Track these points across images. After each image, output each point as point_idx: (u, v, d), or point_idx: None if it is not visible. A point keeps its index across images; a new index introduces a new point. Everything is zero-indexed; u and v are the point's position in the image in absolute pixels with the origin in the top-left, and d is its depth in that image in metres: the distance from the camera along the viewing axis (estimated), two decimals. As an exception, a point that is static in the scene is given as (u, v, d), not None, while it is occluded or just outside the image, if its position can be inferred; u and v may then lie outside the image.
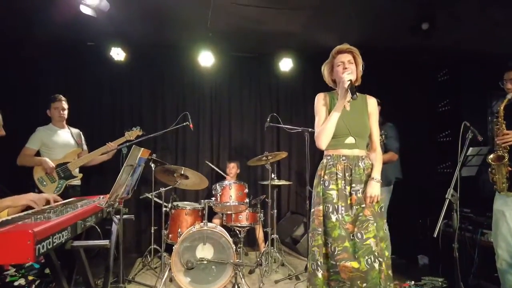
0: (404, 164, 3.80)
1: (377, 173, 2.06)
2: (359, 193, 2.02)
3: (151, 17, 3.66)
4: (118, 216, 2.00)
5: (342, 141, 2.08)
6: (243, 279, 3.12)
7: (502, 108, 2.45)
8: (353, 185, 2.03)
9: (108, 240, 1.56)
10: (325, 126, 2.05)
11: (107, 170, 4.01)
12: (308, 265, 2.10)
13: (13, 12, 3.45)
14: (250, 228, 3.76)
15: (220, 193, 3.43)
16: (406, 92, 4.78)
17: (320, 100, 2.19)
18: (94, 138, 3.91)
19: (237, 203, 3.41)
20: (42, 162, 3.14)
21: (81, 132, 3.57)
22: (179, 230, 3.41)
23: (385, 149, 3.41)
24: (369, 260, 1.89)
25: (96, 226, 1.76)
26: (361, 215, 1.97)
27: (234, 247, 3.15)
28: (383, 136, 3.39)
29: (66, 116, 3.39)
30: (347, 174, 2.05)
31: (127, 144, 3.33)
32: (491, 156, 2.45)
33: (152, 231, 3.74)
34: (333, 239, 1.96)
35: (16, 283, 2.02)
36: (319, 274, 1.99)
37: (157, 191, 3.76)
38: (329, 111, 2.12)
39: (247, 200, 3.48)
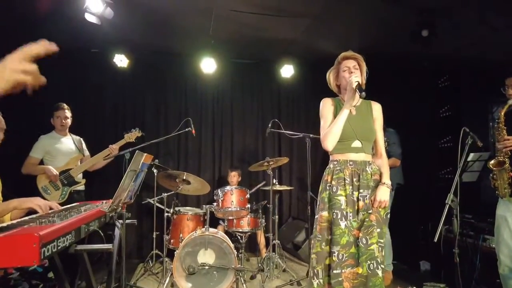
0: (405, 169, 3.82)
1: (387, 179, 2.07)
2: (366, 199, 2.01)
3: (154, 24, 3.72)
4: (120, 221, 2.02)
5: (348, 145, 2.08)
6: (244, 285, 3.12)
7: (503, 113, 2.46)
8: (361, 190, 2.02)
9: (111, 244, 1.57)
10: (332, 127, 2.04)
11: (111, 175, 4.03)
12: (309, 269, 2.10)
13: (17, 20, 3.51)
14: (252, 233, 3.76)
15: (222, 199, 3.45)
16: (407, 98, 4.81)
17: (326, 104, 2.20)
18: (97, 144, 3.94)
19: (238, 209, 3.43)
20: (46, 170, 3.18)
21: (82, 139, 3.60)
22: (181, 235, 3.42)
23: (388, 155, 3.43)
24: (371, 265, 1.89)
25: (100, 231, 1.78)
26: (366, 220, 1.97)
27: (236, 252, 3.16)
28: (386, 143, 3.41)
29: (68, 125, 3.44)
30: (354, 180, 2.04)
31: (130, 149, 3.36)
32: (492, 161, 2.46)
33: (154, 236, 3.75)
34: (341, 247, 1.93)
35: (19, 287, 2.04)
36: (315, 284, 1.96)
37: (159, 197, 3.78)
38: (335, 115, 2.12)
39: (248, 205, 3.50)
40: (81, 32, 3.68)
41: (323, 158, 4.79)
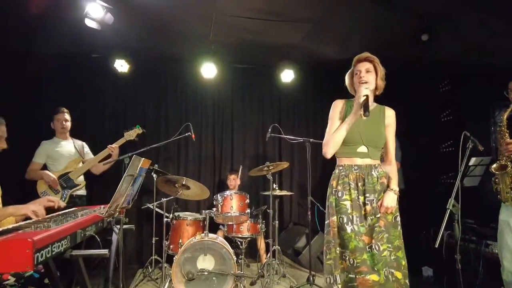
0: (407, 174, 3.79)
1: (395, 185, 2.05)
2: (373, 203, 1.99)
3: (154, 29, 3.73)
4: (118, 226, 2.01)
5: (354, 150, 2.06)
6: (244, 291, 3.09)
7: (505, 117, 2.45)
8: (367, 195, 2.00)
9: (107, 250, 1.56)
10: (334, 136, 2.03)
11: (110, 180, 4.02)
12: (324, 279, 2.05)
13: (19, 26, 3.54)
14: (252, 239, 3.73)
15: (222, 204, 3.43)
16: (408, 103, 4.79)
17: (336, 107, 2.16)
18: (97, 148, 3.94)
19: (238, 214, 3.40)
20: (43, 176, 3.18)
21: (84, 143, 3.60)
22: (180, 241, 3.39)
23: None
24: (386, 272, 1.88)
25: (96, 236, 1.76)
26: (376, 225, 1.95)
27: (236, 258, 3.13)
28: None
29: (68, 128, 3.44)
30: (359, 184, 2.02)
31: (129, 154, 3.34)
32: (494, 165, 2.44)
33: (153, 242, 3.73)
34: (350, 251, 1.92)
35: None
36: None
37: (159, 202, 3.76)
38: (343, 119, 2.09)
39: (248, 210, 3.47)
40: (82, 38, 3.70)
41: (323, 163, 4.77)
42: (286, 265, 4.06)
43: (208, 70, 4.21)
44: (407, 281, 1.97)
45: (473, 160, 2.87)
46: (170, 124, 4.64)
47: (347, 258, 1.93)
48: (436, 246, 2.00)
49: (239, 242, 3.64)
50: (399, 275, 1.92)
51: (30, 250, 1.15)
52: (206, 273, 3.04)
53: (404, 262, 1.98)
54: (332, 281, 1.96)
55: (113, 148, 3.42)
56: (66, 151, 3.39)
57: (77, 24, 3.17)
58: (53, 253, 1.32)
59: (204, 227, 3.34)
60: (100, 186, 4.13)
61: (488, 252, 3.02)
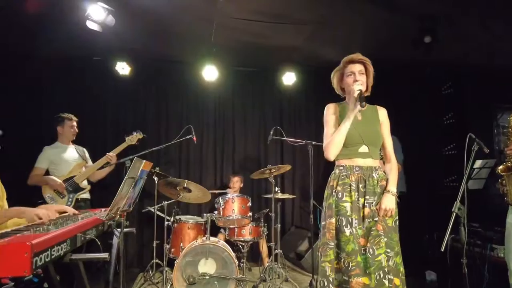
0: (410, 178, 3.76)
1: (393, 186, 2.01)
2: (372, 205, 1.96)
3: (155, 32, 3.73)
4: (119, 229, 1.98)
5: (355, 150, 2.03)
6: (246, 295, 3.05)
7: None
8: (367, 197, 1.97)
9: (107, 253, 1.53)
10: (335, 137, 2.00)
11: (112, 183, 3.99)
12: (316, 283, 2.03)
13: (19, 29, 3.53)
14: (254, 242, 3.70)
15: (223, 207, 3.40)
16: (410, 105, 4.78)
17: (329, 110, 2.15)
18: (98, 151, 3.91)
19: (240, 217, 3.37)
20: (49, 181, 3.17)
21: (85, 149, 3.59)
22: (181, 245, 3.36)
23: None
24: (378, 276, 1.84)
25: (97, 239, 1.74)
26: (373, 229, 1.92)
27: (237, 262, 3.10)
28: None
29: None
30: (360, 186, 1.99)
31: (130, 157, 3.32)
32: (501, 167, 2.42)
33: (154, 245, 3.69)
34: (346, 254, 1.90)
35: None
36: None
37: (160, 205, 3.73)
38: (339, 122, 2.07)
39: (250, 214, 3.44)
40: (83, 40, 3.70)
41: (325, 166, 4.74)
42: (288, 269, 4.02)
43: (210, 73, 4.20)
44: None
45: (478, 163, 2.84)
46: (171, 127, 4.63)
47: (343, 261, 1.91)
48: (442, 250, 1.95)
49: (240, 246, 3.61)
50: (397, 281, 1.89)
51: (29, 254, 1.12)
52: (207, 277, 3.01)
53: (402, 269, 1.95)
54: (325, 284, 1.93)
55: (111, 156, 3.39)
56: (69, 156, 3.38)
57: (78, 26, 3.17)
58: (52, 257, 1.29)
59: (206, 230, 3.31)
60: (101, 190, 4.10)
61: (494, 256, 2.98)
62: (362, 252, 1.90)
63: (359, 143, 2.03)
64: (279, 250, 3.75)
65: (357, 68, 2.05)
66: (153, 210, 3.72)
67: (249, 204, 3.48)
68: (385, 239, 1.91)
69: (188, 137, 3.67)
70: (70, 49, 4.01)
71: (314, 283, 3.31)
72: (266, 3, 3.12)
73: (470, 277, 2.11)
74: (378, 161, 2.09)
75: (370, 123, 2.08)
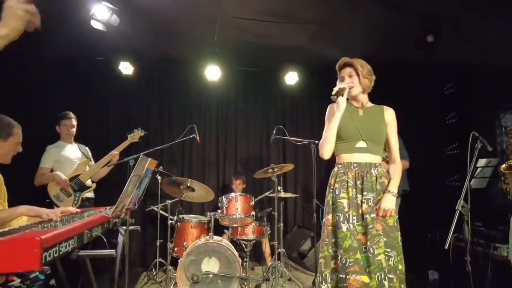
0: (412, 177, 3.75)
1: (394, 186, 2.01)
2: (370, 202, 1.97)
3: (159, 32, 3.74)
4: (124, 227, 1.99)
5: (353, 145, 2.05)
6: (249, 294, 3.06)
7: None
8: (365, 193, 1.98)
9: (114, 250, 1.54)
10: (325, 135, 2.06)
11: (115, 182, 4.01)
12: (315, 278, 2.06)
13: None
14: (257, 241, 3.71)
15: (226, 206, 3.41)
16: (413, 105, 4.77)
17: (330, 110, 2.18)
18: (101, 151, 3.93)
19: (243, 216, 3.38)
20: (55, 177, 3.17)
21: (87, 148, 3.61)
22: (185, 243, 3.37)
23: None
24: (379, 276, 1.84)
25: (103, 237, 1.75)
26: (371, 227, 1.92)
27: (240, 261, 3.11)
28: None
29: (74, 133, 3.45)
30: (358, 182, 2.00)
31: (134, 156, 3.34)
32: (504, 165, 2.43)
33: (158, 244, 3.71)
34: (344, 250, 1.90)
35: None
36: None
37: (163, 204, 3.75)
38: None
39: (253, 213, 3.45)
40: (87, 40, 3.71)
41: (328, 165, 4.73)
42: (291, 268, 4.03)
43: (213, 73, 4.22)
44: (403, 286, 1.95)
45: (481, 162, 2.85)
46: (174, 126, 4.64)
47: (340, 258, 1.91)
48: (446, 247, 1.96)
49: (244, 245, 3.62)
50: (394, 279, 1.89)
51: (38, 249, 1.14)
52: (211, 276, 3.02)
53: (400, 266, 1.96)
54: (321, 280, 1.96)
55: (114, 154, 3.41)
56: (72, 155, 3.39)
57: (82, 26, 3.19)
58: (61, 253, 1.31)
59: (209, 229, 3.33)
60: (105, 189, 4.12)
61: (497, 255, 2.98)
62: (363, 249, 1.90)
63: (357, 138, 2.05)
64: (282, 249, 3.75)
65: (347, 71, 2.12)
66: (156, 209, 3.73)
67: (252, 203, 3.49)
68: (385, 239, 1.92)
69: (191, 136, 3.68)
70: (73, 49, 4.03)
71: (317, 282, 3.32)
72: (269, 3, 3.13)
73: (473, 277, 2.11)
74: (379, 158, 2.09)
75: (372, 120, 2.10)
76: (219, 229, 3.97)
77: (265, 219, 3.69)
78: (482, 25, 3.42)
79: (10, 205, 2.09)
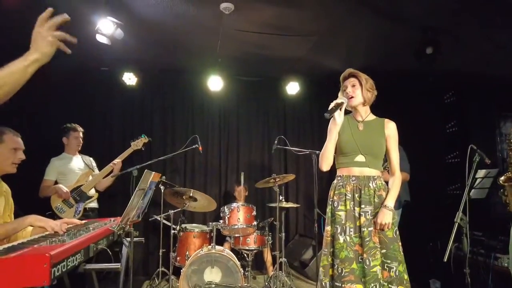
0: (413, 186, 3.78)
1: (390, 201, 2.03)
2: (368, 214, 2.01)
3: (162, 44, 3.81)
4: (128, 239, 2.03)
5: (352, 159, 2.10)
6: (251, 304, 3.07)
7: None
8: (362, 206, 2.02)
9: (119, 264, 1.58)
10: (324, 149, 2.12)
11: (119, 192, 4.06)
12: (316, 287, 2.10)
13: (27, 39, 3.62)
14: (258, 251, 3.72)
15: (228, 216, 3.43)
16: (413, 114, 4.80)
17: (330, 123, 2.21)
18: (105, 161, 3.98)
19: (245, 226, 3.41)
20: (57, 189, 3.22)
21: (91, 159, 3.65)
22: (187, 253, 3.39)
23: None
24: (374, 287, 1.89)
25: (108, 249, 1.78)
26: (368, 239, 1.96)
27: (242, 270, 3.13)
28: None
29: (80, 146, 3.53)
30: (356, 195, 2.05)
31: (138, 167, 3.39)
32: (502, 177, 2.45)
33: (160, 254, 3.73)
34: (340, 261, 1.96)
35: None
36: None
37: (166, 213, 3.78)
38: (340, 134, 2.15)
39: (255, 222, 3.48)
40: (92, 52, 3.77)
41: (329, 175, 4.76)
42: (293, 278, 4.04)
43: (215, 83, 4.28)
44: None
45: (481, 173, 2.87)
46: (176, 136, 4.69)
47: (336, 267, 1.97)
48: (445, 260, 1.99)
49: (245, 254, 3.64)
50: None
51: (48, 265, 1.17)
52: (213, 285, 3.04)
53: (406, 276, 1.99)
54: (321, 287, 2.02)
55: (115, 163, 3.45)
56: (76, 166, 3.44)
57: (88, 39, 3.25)
58: (68, 267, 1.34)
59: (211, 239, 3.35)
60: (109, 199, 4.17)
61: (498, 265, 2.99)
62: (359, 260, 1.96)
63: (355, 153, 2.09)
64: (283, 258, 3.77)
65: (350, 81, 2.16)
66: (159, 219, 3.76)
67: (254, 213, 3.52)
68: (384, 251, 1.96)
69: (194, 146, 3.73)
70: (78, 60, 4.09)
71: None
72: (271, 16, 3.19)
73: (473, 287, 2.13)
74: (378, 172, 2.13)
75: (371, 134, 2.14)
76: (221, 239, 4.00)
77: (266, 228, 3.72)
78: (481, 35, 3.46)
79: (16, 216, 2.13)
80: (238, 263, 3.13)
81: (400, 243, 2.05)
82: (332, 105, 2.05)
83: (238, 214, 3.43)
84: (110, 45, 3.25)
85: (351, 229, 2.00)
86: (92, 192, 3.44)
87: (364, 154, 2.08)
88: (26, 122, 4.15)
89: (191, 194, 3.43)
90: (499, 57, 3.92)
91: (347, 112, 2.29)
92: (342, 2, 2.95)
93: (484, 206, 3.68)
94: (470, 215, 2.17)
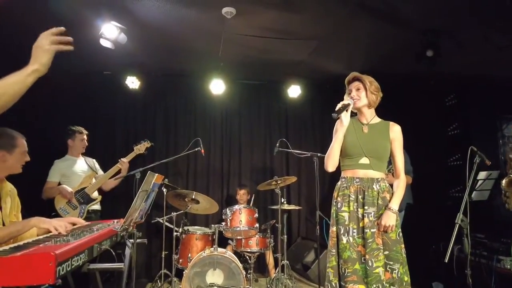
0: (415, 189, 3.78)
1: (395, 203, 2.05)
2: (371, 216, 2.02)
3: (165, 48, 3.85)
4: (131, 240, 2.05)
5: (356, 161, 2.12)
6: (253, 306, 3.08)
7: None
8: (366, 207, 2.04)
9: (122, 264, 1.60)
10: (329, 150, 2.14)
11: (121, 194, 4.08)
12: (324, 286, 2.12)
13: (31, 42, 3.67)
14: (260, 253, 3.74)
15: (230, 218, 3.45)
16: (414, 117, 4.81)
17: (336, 125, 2.24)
18: (108, 164, 4.01)
19: (247, 228, 3.42)
20: (61, 190, 3.25)
21: (94, 160, 3.69)
22: (190, 255, 3.41)
23: None
24: None
25: (111, 250, 1.81)
26: (371, 241, 1.97)
27: (244, 273, 3.14)
28: None
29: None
30: (359, 197, 2.07)
31: (141, 169, 3.41)
32: (504, 181, 2.45)
33: (163, 256, 3.75)
34: (343, 261, 1.99)
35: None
36: None
37: (169, 216, 3.80)
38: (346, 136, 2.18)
39: (257, 225, 3.49)
40: (95, 56, 3.82)
41: (331, 177, 4.78)
42: (295, 280, 4.04)
43: (217, 87, 4.31)
44: None
45: (481, 175, 2.88)
46: (179, 139, 4.72)
47: (340, 267, 2.01)
48: (446, 261, 1.99)
49: (247, 257, 3.65)
50: None
51: (53, 264, 1.20)
52: (215, 287, 3.05)
53: (406, 278, 2.00)
54: None
55: (123, 162, 3.49)
56: (79, 168, 3.47)
57: (92, 43, 3.30)
58: (73, 266, 1.37)
59: (213, 241, 3.37)
60: (111, 202, 4.19)
61: (500, 267, 2.98)
62: (362, 261, 1.98)
63: (360, 155, 2.11)
64: (285, 261, 3.78)
65: (355, 85, 2.20)
66: (162, 221, 3.79)
67: (256, 215, 3.54)
68: (386, 252, 1.98)
69: (196, 149, 3.76)
70: (82, 64, 4.15)
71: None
72: (272, 20, 3.23)
73: (475, 288, 2.13)
74: (382, 174, 2.14)
75: (376, 136, 2.16)
76: (223, 241, 4.01)
77: (268, 231, 3.73)
78: (481, 38, 3.48)
79: (22, 217, 2.16)
80: (240, 265, 3.15)
81: (403, 245, 2.06)
82: (339, 106, 2.08)
83: (240, 216, 3.44)
84: (113, 49, 3.30)
85: (354, 230, 2.03)
86: (96, 194, 3.47)
87: (369, 156, 2.11)
88: (30, 124, 4.18)
89: (193, 197, 3.45)
90: (500, 59, 3.93)
91: (352, 115, 2.31)
92: (343, 6, 2.98)
93: (487, 208, 3.67)
94: (472, 217, 2.18)
